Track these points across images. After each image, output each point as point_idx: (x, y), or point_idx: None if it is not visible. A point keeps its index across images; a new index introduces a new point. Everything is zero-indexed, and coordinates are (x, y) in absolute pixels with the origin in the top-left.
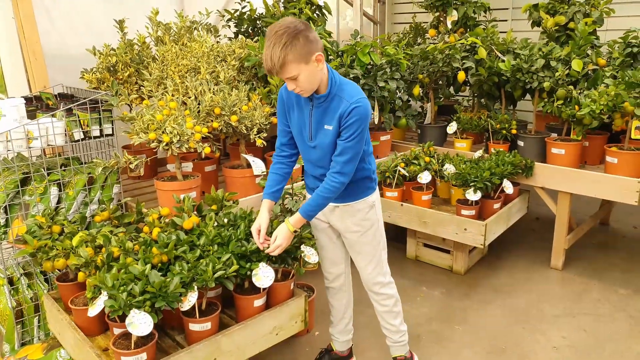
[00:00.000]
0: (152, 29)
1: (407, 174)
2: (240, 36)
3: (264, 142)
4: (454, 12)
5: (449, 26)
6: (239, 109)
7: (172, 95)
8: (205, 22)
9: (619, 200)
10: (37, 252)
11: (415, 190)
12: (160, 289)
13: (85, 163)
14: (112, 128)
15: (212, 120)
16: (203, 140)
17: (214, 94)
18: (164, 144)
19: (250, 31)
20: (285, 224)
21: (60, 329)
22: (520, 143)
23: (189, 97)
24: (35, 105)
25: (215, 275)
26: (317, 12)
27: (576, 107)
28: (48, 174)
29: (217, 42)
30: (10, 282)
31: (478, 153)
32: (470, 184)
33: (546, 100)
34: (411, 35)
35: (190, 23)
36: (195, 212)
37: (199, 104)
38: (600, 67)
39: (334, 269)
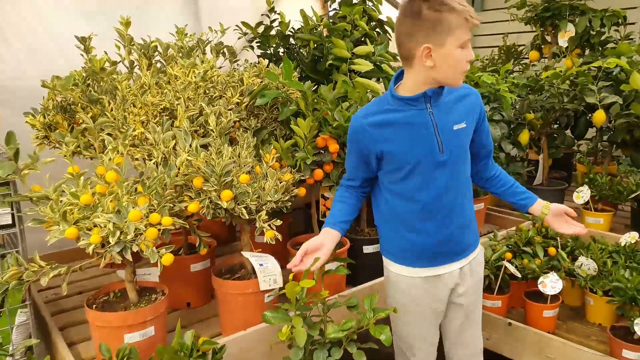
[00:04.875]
0: (125, 50)
1: (518, 274)
2: (264, 60)
3: (278, 236)
4: (570, 27)
5: (563, 45)
6: (236, 178)
7: (128, 153)
8: (217, 41)
9: None
10: None
11: (531, 301)
12: None
13: None
14: (12, 214)
15: (191, 198)
16: (175, 236)
17: (193, 153)
18: (93, 246)
19: (282, 54)
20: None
21: None
22: None
23: (154, 159)
24: None
25: None
26: (377, 29)
27: None
28: None
29: (234, 69)
30: None
31: (627, 237)
32: None
33: None
34: (500, 61)
35: (198, 42)
36: None
37: (168, 171)
38: None
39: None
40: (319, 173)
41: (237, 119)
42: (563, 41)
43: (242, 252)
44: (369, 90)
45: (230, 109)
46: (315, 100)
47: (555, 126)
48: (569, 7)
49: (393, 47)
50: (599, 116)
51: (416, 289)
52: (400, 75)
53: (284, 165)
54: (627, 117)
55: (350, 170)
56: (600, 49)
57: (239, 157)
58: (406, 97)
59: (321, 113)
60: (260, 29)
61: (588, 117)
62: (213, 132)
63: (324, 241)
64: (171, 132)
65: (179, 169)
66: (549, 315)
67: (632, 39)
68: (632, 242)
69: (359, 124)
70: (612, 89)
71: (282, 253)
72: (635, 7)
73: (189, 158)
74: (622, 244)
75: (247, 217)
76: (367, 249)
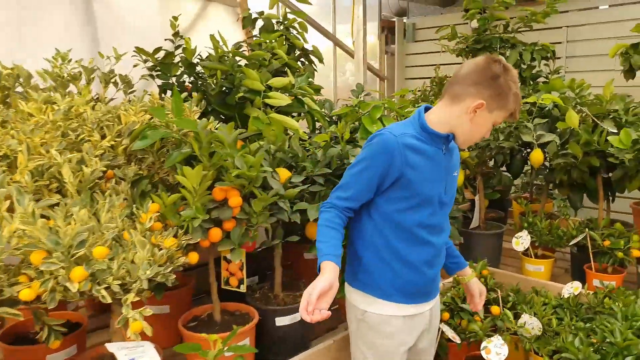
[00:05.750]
0: None
1: (458, 340)
2: (155, 93)
3: (147, 330)
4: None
5: None
6: (89, 253)
7: None
8: (108, 69)
9: None
10: None
11: None
12: None
13: None
14: None
15: (31, 280)
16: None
17: (27, 220)
18: None
19: (189, 84)
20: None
21: None
22: None
23: None
24: None
25: None
26: (302, 59)
27: None
28: None
29: (129, 100)
30: None
31: (570, 288)
32: None
33: None
34: (432, 93)
35: (82, 70)
36: None
37: None
38: None
39: None
40: (215, 234)
41: (107, 168)
42: None
43: (106, 345)
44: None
45: (101, 154)
46: (212, 143)
47: (491, 164)
48: (499, 39)
49: (319, 79)
50: (537, 156)
51: (397, 328)
52: (425, 110)
53: (170, 225)
54: (565, 157)
55: (358, 190)
56: (531, 82)
57: (98, 221)
58: (436, 132)
59: (219, 158)
60: (161, 55)
61: (524, 154)
62: (67, 185)
63: (334, 279)
64: (4, 190)
65: (9, 240)
66: None
67: (560, 73)
68: (575, 293)
69: (396, 141)
70: (547, 126)
71: (173, 332)
72: (560, 42)
73: (22, 227)
74: (565, 296)
75: (111, 300)
76: (282, 321)
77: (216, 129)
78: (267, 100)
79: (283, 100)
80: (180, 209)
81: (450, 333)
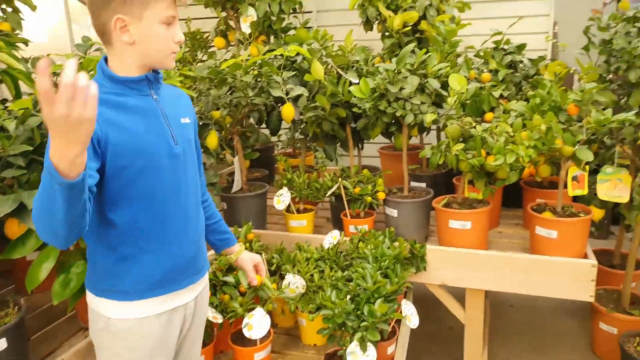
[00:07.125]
0: None
1: (219, 319)
2: None
3: None
4: (251, 11)
5: (246, 30)
6: None
7: None
8: None
9: (565, 297)
10: None
11: (239, 346)
12: None
13: None
14: None
15: None
16: None
17: None
18: None
19: None
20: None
21: None
22: (392, 212)
23: None
24: None
25: None
26: (3, 6)
27: (483, 152)
28: None
29: None
30: None
31: (330, 238)
32: (354, 334)
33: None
34: (187, 50)
35: None
36: None
37: None
38: (484, 84)
39: None
40: None
41: None
42: (245, 26)
43: None
44: None
45: None
46: None
47: (251, 122)
48: None
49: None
50: (288, 111)
51: (150, 331)
52: (107, 61)
53: None
54: (315, 110)
55: None
56: (283, 35)
57: None
58: (129, 78)
59: None
60: None
61: (280, 110)
62: None
63: None
64: None
65: None
66: (261, 357)
67: (310, 27)
68: (335, 242)
69: None
70: (298, 80)
71: None
72: None
73: None
74: (326, 247)
75: None
76: None
77: None
78: None
79: None
80: None
81: (211, 313)
